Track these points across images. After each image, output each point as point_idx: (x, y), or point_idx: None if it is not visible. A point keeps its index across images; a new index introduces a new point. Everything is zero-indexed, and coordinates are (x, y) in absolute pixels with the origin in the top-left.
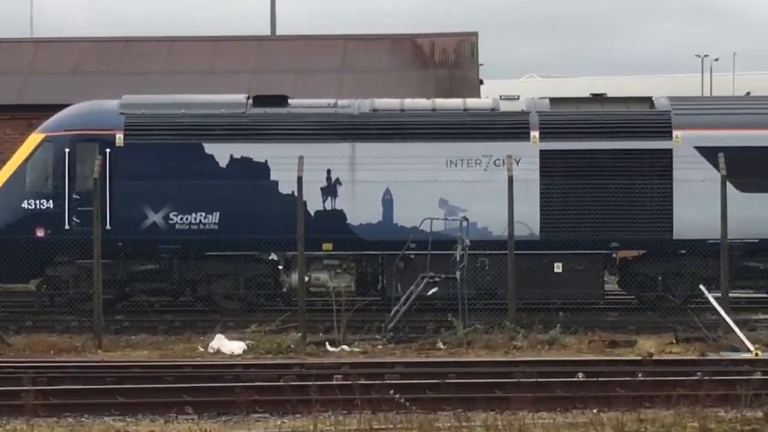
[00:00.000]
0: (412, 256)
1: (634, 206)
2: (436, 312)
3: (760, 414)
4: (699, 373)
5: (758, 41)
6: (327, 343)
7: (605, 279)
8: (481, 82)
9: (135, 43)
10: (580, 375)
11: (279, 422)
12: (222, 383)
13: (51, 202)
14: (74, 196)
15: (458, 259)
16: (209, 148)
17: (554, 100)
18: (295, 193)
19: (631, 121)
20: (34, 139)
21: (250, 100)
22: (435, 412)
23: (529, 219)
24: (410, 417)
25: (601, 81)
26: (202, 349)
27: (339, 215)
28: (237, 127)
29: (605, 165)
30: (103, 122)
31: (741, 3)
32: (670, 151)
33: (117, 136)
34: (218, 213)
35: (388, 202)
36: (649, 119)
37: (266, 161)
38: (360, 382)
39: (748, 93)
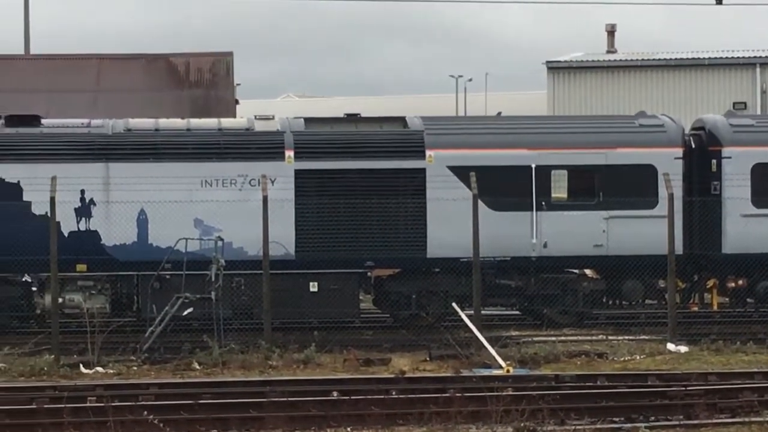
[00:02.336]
0: (168, 277)
1: (389, 225)
2: (192, 332)
3: (510, 429)
4: (451, 390)
5: (507, 63)
6: (81, 365)
7: (360, 297)
8: (237, 101)
9: None
10: (335, 393)
11: None
12: None
13: None
14: None
15: (213, 279)
16: None
17: (309, 120)
18: (49, 214)
19: (385, 140)
20: None
21: (2, 120)
22: None
23: (284, 238)
24: None
25: (357, 101)
26: None
27: (93, 236)
28: None
29: (360, 184)
30: None
31: (487, 25)
32: (423, 170)
33: None
34: None
35: (143, 222)
36: (403, 139)
37: (18, 182)
38: (114, 404)
39: (500, 113)
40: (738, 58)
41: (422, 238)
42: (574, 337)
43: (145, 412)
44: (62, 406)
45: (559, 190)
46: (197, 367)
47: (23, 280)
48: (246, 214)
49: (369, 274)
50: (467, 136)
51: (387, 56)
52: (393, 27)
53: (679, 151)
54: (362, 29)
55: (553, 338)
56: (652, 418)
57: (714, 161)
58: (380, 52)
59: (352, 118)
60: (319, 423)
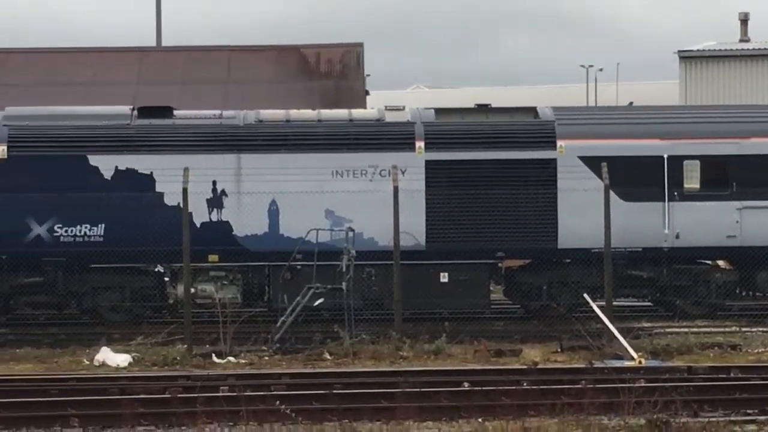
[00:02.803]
0: (299, 267)
1: (519, 216)
2: (323, 323)
3: (642, 421)
4: (583, 382)
5: (639, 53)
6: (213, 355)
7: (491, 288)
8: (367, 92)
9: (16, 55)
10: (466, 384)
11: None
12: (107, 396)
13: None
14: None
15: (344, 269)
16: (94, 159)
17: (439, 111)
18: (181, 205)
19: (516, 131)
20: None
21: (135, 112)
22: (321, 423)
23: (415, 229)
24: (296, 428)
25: (486, 91)
26: (87, 362)
27: (225, 226)
28: (122, 139)
29: (490, 175)
30: None
31: (618, 15)
32: (554, 160)
33: (0, 148)
34: (103, 225)
35: (273, 213)
36: (534, 129)
37: (151, 173)
38: (246, 393)
39: (631, 103)
40: None
41: (553, 229)
42: (707, 329)
43: (277, 402)
44: (195, 395)
45: (692, 180)
46: (328, 357)
47: (156, 270)
48: (376, 204)
49: (500, 264)
50: (598, 126)
51: (517, 46)
52: (523, 16)
53: None
54: (492, 18)
55: (686, 330)
56: None
57: None
58: (510, 42)
59: (483, 108)
60: (450, 414)
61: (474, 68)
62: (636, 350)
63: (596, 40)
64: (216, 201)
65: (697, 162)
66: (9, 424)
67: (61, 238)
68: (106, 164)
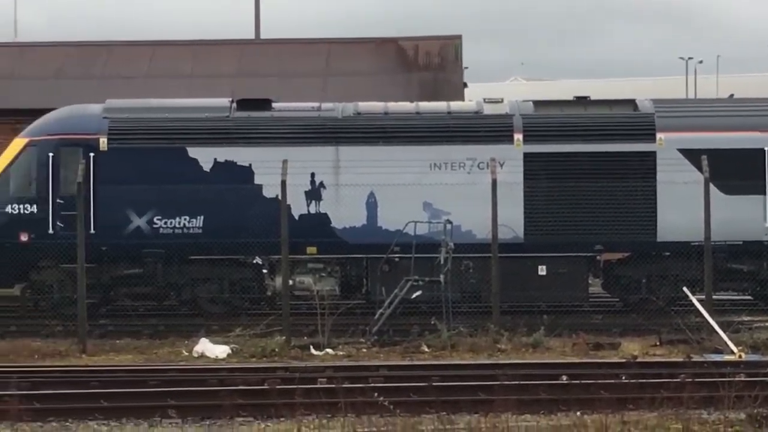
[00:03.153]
0: (397, 260)
1: (618, 209)
2: (421, 315)
3: (743, 415)
4: (683, 375)
5: (739, 45)
6: (311, 347)
7: (589, 281)
8: (465, 84)
9: (118, 48)
10: (564, 377)
11: (263, 426)
12: (206, 387)
13: (35, 206)
14: (58, 200)
15: (442, 262)
16: (193, 152)
17: (538, 103)
18: (279, 197)
19: (615, 123)
20: (18, 143)
21: (234, 104)
22: (419, 415)
23: (513, 222)
24: (394, 420)
25: (585, 83)
26: (186, 353)
27: (323, 219)
28: (221, 131)
29: (589, 167)
30: (87, 126)
31: (718, 6)
32: (653, 153)
33: (101, 140)
34: (202, 217)
35: (372, 205)
36: (633, 122)
37: (250, 165)
38: (344, 385)
39: (732, 95)
40: None
41: (652, 222)
42: None
43: (375, 394)
44: (294, 387)
45: None
46: (426, 349)
47: (254, 262)
48: (474, 197)
49: (598, 257)
50: (698, 118)
51: (616, 38)
52: (622, 8)
53: None
54: (591, 10)
55: None
56: None
57: None
58: (609, 34)
59: (582, 101)
60: (549, 407)
61: (572, 60)
62: (736, 344)
63: (696, 32)
64: (314, 193)
65: None
66: (109, 414)
67: (161, 230)
68: (205, 156)
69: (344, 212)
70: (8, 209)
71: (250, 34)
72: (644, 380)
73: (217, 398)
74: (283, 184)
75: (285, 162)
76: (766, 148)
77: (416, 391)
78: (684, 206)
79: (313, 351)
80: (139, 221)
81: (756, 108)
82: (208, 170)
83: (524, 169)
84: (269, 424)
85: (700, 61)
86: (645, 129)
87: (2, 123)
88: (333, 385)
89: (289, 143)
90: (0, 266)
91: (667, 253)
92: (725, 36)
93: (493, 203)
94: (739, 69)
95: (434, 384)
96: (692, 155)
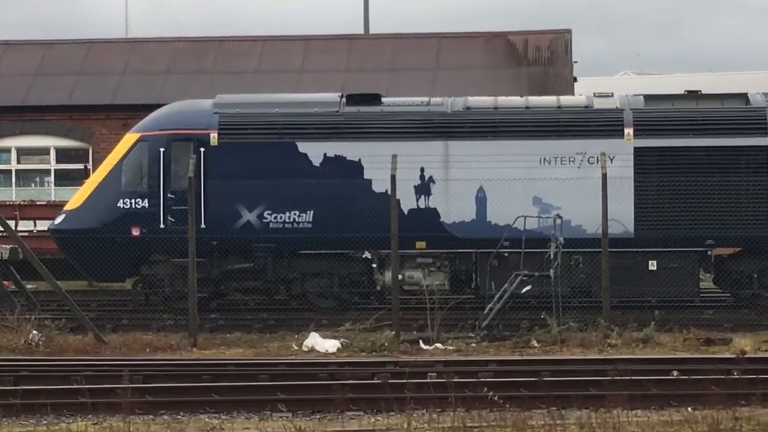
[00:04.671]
0: (506, 254)
1: (730, 203)
2: (530, 310)
3: None
4: None
5: None
6: (421, 341)
7: (700, 277)
8: (575, 79)
9: (228, 43)
10: (675, 373)
11: (373, 420)
12: (316, 381)
13: (146, 201)
14: (169, 195)
15: (552, 257)
16: (303, 146)
17: (648, 97)
18: (389, 192)
19: (726, 117)
20: (130, 138)
21: (344, 99)
22: (529, 410)
23: (623, 217)
24: (504, 415)
25: (696, 77)
26: (296, 348)
27: (432, 213)
28: (330, 126)
29: (700, 162)
30: (198, 121)
31: None
32: (766, 147)
33: (211, 135)
34: (312, 212)
35: (481, 200)
36: (745, 116)
37: (359, 160)
38: (454, 380)
39: None
40: None
41: (765, 217)
42: None
43: (485, 389)
44: (404, 381)
45: None
46: (536, 344)
47: (364, 257)
48: (584, 192)
49: (709, 252)
50: None
51: (727, 31)
52: (732, 2)
53: None
54: (702, 2)
55: None
56: None
57: None
58: (720, 27)
59: (693, 95)
60: (659, 402)
61: (683, 54)
62: None
63: None
64: (423, 188)
65: None
66: (220, 407)
67: (271, 225)
68: (314, 151)
69: (453, 207)
70: (120, 204)
71: (360, 29)
72: (756, 376)
73: (327, 392)
74: (393, 178)
75: (394, 157)
76: None
77: (526, 386)
78: None
79: (422, 345)
80: (249, 216)
81: None
82: (317, 165)
83: (634, 163)
84: (379, 418)
85: None
86: (757, 123)
87: (114, 118)
88: (443, 380)
89: (398, 138)
90: (112, 260)
91: None
92: None
93: (603, 198)
94: None
95: (544, 379)
96: None
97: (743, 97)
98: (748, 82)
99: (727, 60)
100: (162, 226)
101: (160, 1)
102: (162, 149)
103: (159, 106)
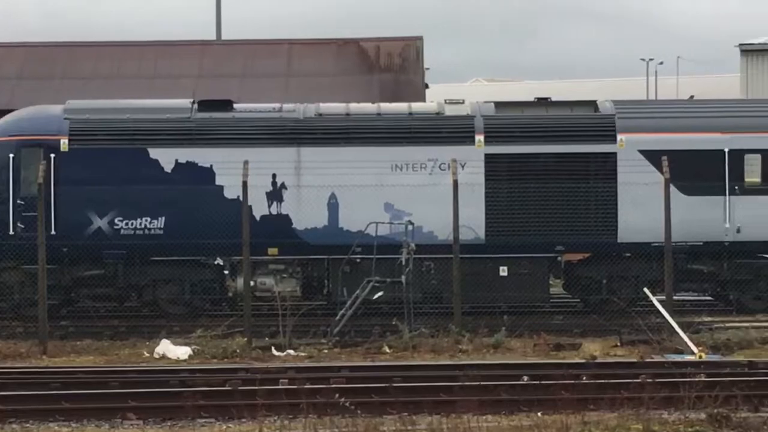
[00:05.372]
0: (358, 260)
1: (579, 209)
2: (382, 316)
3: (703, 416)
4: (643, 376)
5: (699, 46)
6: (273, 348)
7: (550, 282)
8: (427, 86)
9: (80, 48)
10: (525, 378)
11: (224, 427)
12: (167, 388)
13: None
14: (19, 201)
15: (404, 263)
16: (154, 153)
17: (499, 104)
18: (241, 198)
19: (576, 124)
20: None
21: (195, 105)
22: (380, 416)
23: (474, 223)
24: (355, 421)
25: (546, 85)
26: (147, 355)
27: (284, 220)
28: (182, 132)
29: (550, 169)
30: (48, 127)
31: (677, 8)
32: (614, 154)
33: (62, 141)
34: (163, 218)
35: (333, 206)
36: (594, 123)
37: (211, 166)
38: (305, 386)
39: (692, 96)
40: None
41: (613, 223)
42: None
43: (337, 395)
44: (255, 388)
45: (753, 174)
46: (387, 350)
47: (215, 263)
48: (436, 198)
49: (559, 258)
50: (659, 120)
51: (576, 39)
52: (582, 9)
53: None
54: (551, 12)
55: (746, 324)
56: None
57: None
58: (570, 36)
59: (543, 102)
60: (510, 407)
61: (534, 62)
62: (696, 345)
63: (656, 34)
64: (275, 194)
65: (759, 156)
66: (69, 416)
67: (122, 231)
68: (166, 157)
69: (305, 213)
70: None
71: (211, 36)
72: (605, 380)
73: (178, 399)
74: (245, 185)
75: (246, 163)
76: (726, 149)
77: (378, 392)
78: (644, 207)
79: (274, 352)
80: (100, 222)
81: (716, 109)
82: (169, 171)
83: (485, 170)
84: (230, 425)
85: (661, 63)
86: (606, 130)
87: None
88: (294, 386)
89: (250, 144)
90: None
91: (628, 254)
92: (685, 37)
93: (454, 204)
94: (699, 70)
95: (395, 385)
96: (653, 156)
97: (592, 104)
98: (596, 89)
99: (576, 67)
100: (11, 232)
101: (8, 7)
102: (11, 155)
103: (9, 111)
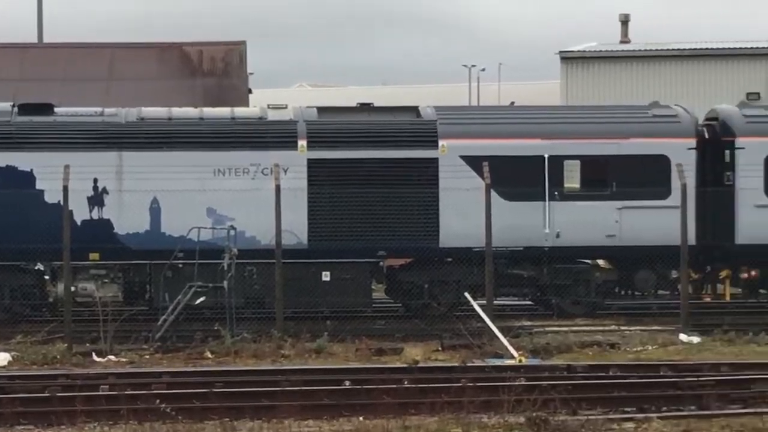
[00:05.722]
0: (180, 266)
1: (402, 215)
2: (204, 321)
3: (522, 419)
4: (463, 380)
5: (520, 53)
6: (94, 354)
7: (373, 287)
8: (250, 91)
9: None
10: (347, 383)
11: None
12: None
13: None
14: None
15: (226, 268)
16: None
17: (322, 110)
18: (61, 203)
19: (398, 130)
20: None
21: (16, 109)
22: (201, 422)
23: (297, 228)
24: (176, 426)
25: (370, 90)
26: None
27: (106, 225)
28: (1, 136)
29: (373, 174)
30: None
31: (499, 15)
32: (436, 160)
33: None
34: None
35: (155, 211)
36: (416, 128)
37: (31, 170)
38: (126, 392)
39: (513, 103)
40: (752, 48)
41: (434, 228)
42: (587, 328)
43: (158, 401)
44: (75, 394)
45: (572, 180)
46: (209, 356)
47: (36, 268)
48: (258, 203)
49: (381, 263)
50: (480, 126)
51: (402, 45)
52: (408, 16)
53: (692, 142)
54: (378, 17)
55: (566, 328)
56: (664, 408)
57: (727, 152)
58: (395, 41)
59: (365, 107)
60: (332, 412)
61: (358, 68)
62: (516, 349)
63: (479, 42)
64: (97, 199)
65: (578, 162)
66: None
67: None
68: None
69: (127, 218)
70: None
71: (33, 38)
72: (426, 385)
73: None
74: (65, 189)
75: (67, 167)
76: (545, 155)
77: (199, 398)
78: (466, 212)
79: (95, 358)
80: None
81: (536, 115)
82: None
83: (308, 175)
84: (49, 431)
85: (483, 69)
86: (427, 136)
87: None
88: (115, 392)
89: (71, 148)
90: None
91: (450, 259)
92: (507, 45)
93: (276, 209)
94: (520, 77)
95: (217, 390)
96: (474, 162)
97: (414, 110)
98: (420, 95)
99: (400, 73)
100: None
101: None
102: None
103: None
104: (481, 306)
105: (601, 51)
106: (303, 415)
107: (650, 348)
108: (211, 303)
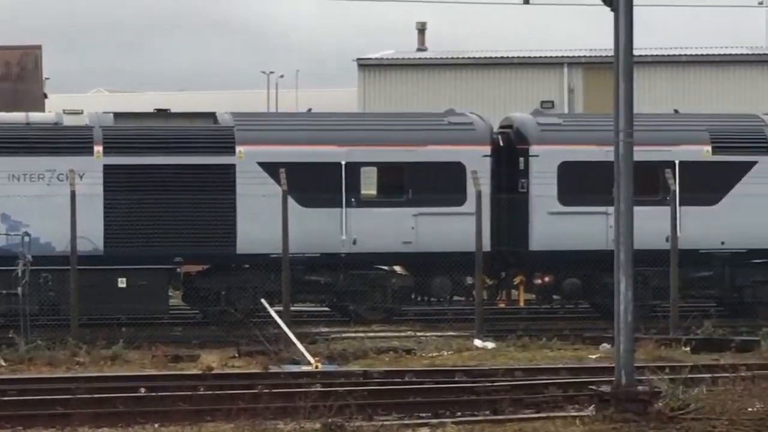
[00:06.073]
0: None
1: (199, 221)
2: None
3: (318, 425)
4: (259, 387)
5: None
6: None
7: (169, 293)
8: (46, 95)
9: None
10: (142, 390)
11: None
12: None
13: None
14: None
15: (20, 274)
16: None
17: (119, 115)
18: None
19: (195, 136)
20: None
21: None
22: None
23: (93, 234)
24: None
25: (168, 96)
26: None
27: None
28: None
29: (170, 180)
30: None
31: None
32: (233, 166)
33: None
34: None
35: None
36: (213, 135)
37: None
38: None
39: (310, 109)
40: (546, 57)
41: (232, 234)
42: (383, 334)
43: None
44: None
45: (369, 186)
46: (2, 363)
47: None
48: (53, 209)
49: (178, 269)
50: (277, 132)
51: (198, 52)
52: (205, 22)
53: (487, 149)
54: (175, 23)
55: (362, 334)
56: (459, 413)
57: (521, 159)
58: (191, 48)
59: (162, 113)
60: (127, 419)
61: (157, 73)
62: (313, 355)
63: (277, 49)
64: None
65: (374, 168)
66: None
67: None
68: None
69: None
70: None
71: None
72: (222, 392)
73: None
74: None
75: None
76: (342, 162)
77: None
78: (264, 219)
79: None
80: None
81: (333, 122)
82: None
83: (104, 180)
84: None
85: (282, 76)
86: (225, 142)
87: None
88: None
89: None
90: None
91: (247, 265)
92: (305, 52)
93: (72, 215)
94: (319, 84)
95: (10, 398)
96: (271, 168)
97: (212, 116)
98: (218, 101)
99: (199, 79)
100: None
101: None
102: None
103: None
104: (278, 312)
105: (397, 59)
106: (98, 423)
107: (446, 353)
108: (5, 310)
